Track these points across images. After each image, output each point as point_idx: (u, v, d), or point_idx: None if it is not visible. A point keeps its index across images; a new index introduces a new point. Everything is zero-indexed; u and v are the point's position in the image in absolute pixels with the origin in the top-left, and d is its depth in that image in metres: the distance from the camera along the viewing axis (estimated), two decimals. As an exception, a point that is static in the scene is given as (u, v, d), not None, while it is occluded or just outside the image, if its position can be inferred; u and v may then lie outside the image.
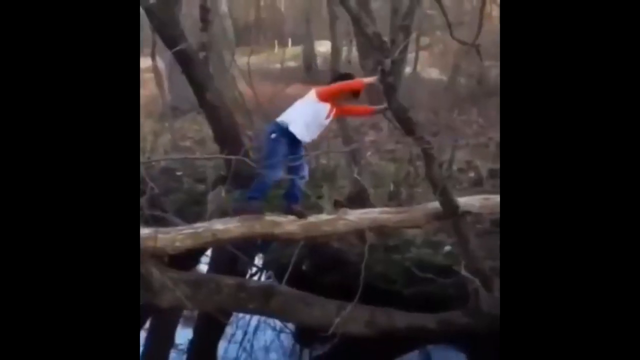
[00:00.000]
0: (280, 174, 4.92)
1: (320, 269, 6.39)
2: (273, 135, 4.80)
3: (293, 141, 4.82)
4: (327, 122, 4.94)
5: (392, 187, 7.25)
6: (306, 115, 4.82)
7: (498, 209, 5.26)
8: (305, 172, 5.06)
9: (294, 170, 4.95)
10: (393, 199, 6.98)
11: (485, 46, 5.17)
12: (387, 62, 4.48)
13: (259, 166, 4.88)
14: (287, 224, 4.82)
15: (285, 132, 4.77)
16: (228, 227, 4.66)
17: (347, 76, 5.18)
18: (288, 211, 4.98)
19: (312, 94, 4.85)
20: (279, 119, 4.86)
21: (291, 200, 5.04)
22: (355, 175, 6.52)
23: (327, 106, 4.84)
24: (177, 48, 7.62)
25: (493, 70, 12.47)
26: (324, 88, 4.85)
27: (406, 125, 4.76)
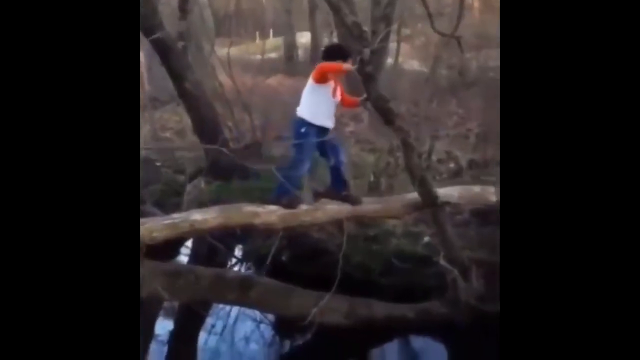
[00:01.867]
0: (309, 165, 5.09)
1: (300, 260, 6.40)
2: (303, 130, 4.88)
3: (320, 130, 4.90)
4: (337, 99, 5.01)
5: (372, 177, 7.27)
6: (317, 102, 4.91)
7: (477, 200, 5.32)
8: (343, 155, 5.16)
9: (333, 155, 5.03)
10: (373, 190, 7.00)
11: (465, 38, 5.19)
12: (366, 51, 4.47)
13: (239, 157, 4.91)
14: (266, 215, 4.81)
15: (311, 124, 4.86)
16: (206, 217, 4.64)
17: (338, 48, 5.21)
18: (340, 198, 5.12)
19: (310, 80, 4.93)
20: (300, 114, 4.93)
21: (340, 187, 5.15)
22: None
23: (328, 85, 4.90)
24: (154, 36, 7.55)
25: (473, 62, 12.53)
26: (316, 70, 4.90)
27: (386, 115, 4.76)
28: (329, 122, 5.04)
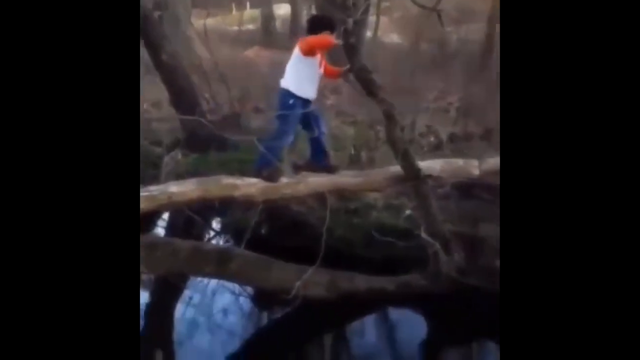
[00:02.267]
0: (293, 137, 5.06)
1: (280, 233, 6.32)
2: (291, 101, 4.83)
3: (304, 102, 4.88)
4: (321, 71, 4.96)
5: (352, 150, 7.19)
6: (304, 74, 4.85)
7: (459, 173, 5.28)
8: (324, 126, 5.12)
9: (316, 126, 4.99)
10: (354, 163, 6.92)
11: (446, 11, 5.09)
12: (350, 21, 4.37)
13: (217, 128, 4.82)
14: (246, 187, 4.71)
15: (297, 96, 4.82)
16: (184, 190, 4.52)
17: (323, 19, 5.10)
18: (321, 170, 5.08)
19: (296, 51, 4.85)
20: (285, 86, 4.86)
21: (321, 158, 5.11)
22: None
23: (315, 57, 4.81)
24: (131, 4, 7.33)
25: (454, 35, 12.44)
26: (304, 42, 4.79)
27: (368, 87, 4.68)
28: (313, 94, 4.96)
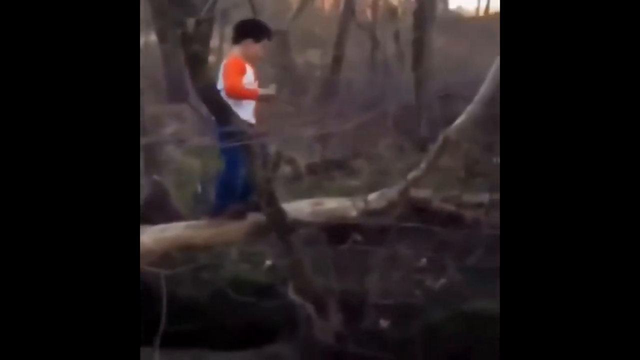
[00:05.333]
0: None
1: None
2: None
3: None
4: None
5: (199, 188, 5.74)
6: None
7: (333, 215, 4.09)
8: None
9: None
10: (200, 202, 5.47)
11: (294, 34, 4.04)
12: (190, 22, 3.04)
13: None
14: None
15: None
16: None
17: (247, 25, 4.10)
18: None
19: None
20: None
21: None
22: (155, 177, 4.97)
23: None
24: None
25: (299, 59, 11.50)
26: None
27: (217, 111, 3.36)
28: (251, 116, 3.96)
